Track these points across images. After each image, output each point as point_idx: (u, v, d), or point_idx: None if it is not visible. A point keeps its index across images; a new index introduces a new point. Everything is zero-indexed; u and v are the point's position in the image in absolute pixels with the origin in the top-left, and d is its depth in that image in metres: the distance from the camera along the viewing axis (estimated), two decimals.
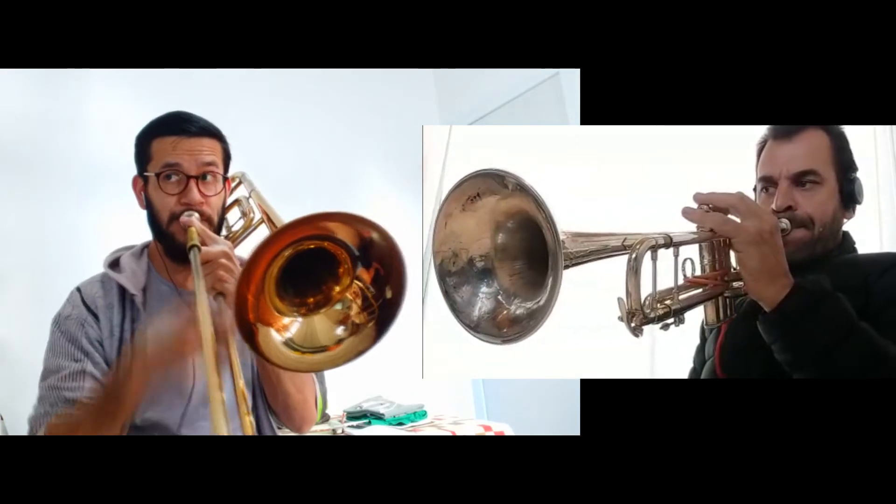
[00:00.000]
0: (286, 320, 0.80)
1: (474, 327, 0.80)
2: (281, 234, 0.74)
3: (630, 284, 0.75)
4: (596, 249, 0.77)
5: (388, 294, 0.79)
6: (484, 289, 0.81)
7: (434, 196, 1.78)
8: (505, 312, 0.80)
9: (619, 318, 0.77)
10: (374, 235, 0.76)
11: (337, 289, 0.82)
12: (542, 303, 0.75)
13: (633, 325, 0.76)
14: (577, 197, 1.59)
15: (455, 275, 0.81)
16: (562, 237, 0.72)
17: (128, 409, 0.96)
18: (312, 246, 0.77)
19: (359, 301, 0.81)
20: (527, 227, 0.77)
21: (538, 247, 0.74)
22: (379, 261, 0.78)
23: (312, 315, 0.82)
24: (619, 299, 0.76)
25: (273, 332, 0.78)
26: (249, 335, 0.75)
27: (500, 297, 0.81)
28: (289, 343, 0.79)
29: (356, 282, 0.81)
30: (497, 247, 0.81)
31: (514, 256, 0.81)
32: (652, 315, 0.77)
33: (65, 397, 1.01)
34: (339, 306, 0.82)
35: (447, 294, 0.81)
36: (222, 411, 0.69)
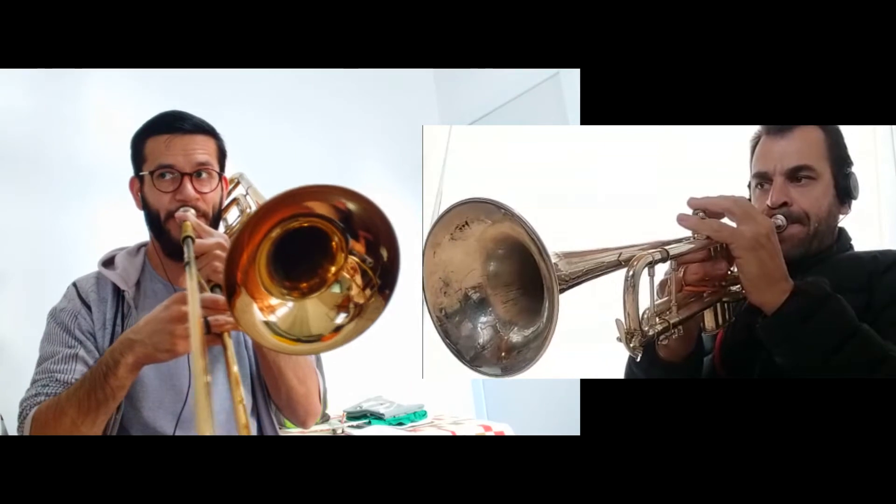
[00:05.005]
0: (273, 301, 0.76)
1: (475, 360, 0.79)
2: (269, 208, 0.71)
3: (628, 304, 0.74)
4: (591, 268, 0.76)
5: (385, 256, 0.76)
6: (482, 319, 0.80)
7: (434, 196, 1.78)
8: (503, 341, 0.79)
9: (617, 338, 0.76)
10: (351, 205, 0.72)
11: (332, 269, 0.78)
12: (540, 329, 0.74)
13: (632, 345, 0.75)
14: (577, 197, 1.59)
15: (454, 314, 0.80)
16: (554, 260, 0.71)
17: (115, 400, 0.95)
18: (305, 224, 0.74)
19: (358, 278, 0.77)
20: (517, 253, 0.76)
21: (530, 271, 0.73)
22: (364, 228, 0.75)
23: (305, 299, 0.78)
24: (618, 320, 0.75)
25: (255, 308, 0.74)
26: (231, 294, 0.72)
27: (497, 326, 0.79)
28: (272, 326, 0.75)
29: (351, 256, 0.77)
30: (489, 275, 0.80)
31: (507, 283, 0.80)
32: (651, 332, 0.77)
33: (56, 378, 1.03)
34: (336, 288, 0.78)
35: (448, 335, 0.79)
36: (206, 395, 0.67)
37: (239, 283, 0.72)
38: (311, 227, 0.75)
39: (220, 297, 0.84)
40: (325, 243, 0.77)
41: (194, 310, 0.78)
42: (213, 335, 0.85)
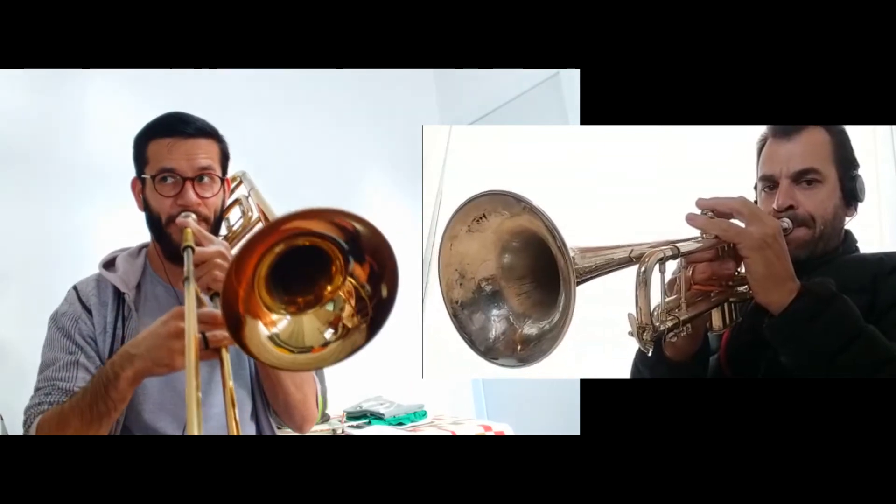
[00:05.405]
0: (274, 316, 0.78)
1: (489, 352, 0.79)
2: (267, 232, 0.72)
3: (640, 299, 0.74)
4: (602, 263, 0.77)
5: (384, 292, 0.76)
6: (495, 311, 0.80)
7: (434, 196, 1.78)
8: (517, 334, 0.79)
9: (629, 333, 0.76)
10: (358, 227, 0.73)
11: (329, 288, 0.79)
12: (555, 321, 0.75)
13: (644, 339, 0.75)
14: (578, 197, 1.59)
15: (467, 305, 0.80)
16: (572, 254, 0.71)
17: (116, 411, 0.96)
18: (307, 243, 0.75)
19: (352, 302, 0.79)
20: (532, 246, 0.76)
21: (544, 264, 0.73)
22: (371, 255, 0.75)
23: (301, 314, 0.79)
24: (630, 315, 0.75)
25: (260, 326, 0.76)
26: (236, 326, 0.73)
27: (510, 318, 0.80)
28: (274, 338, 0.77)
29: (350, 280, 0.78)
30: (503, 267, 0.80)
31: (520, 275, 0.81)
32: (662, 328, 0.77)
33: (58, 387, 1.03)
34: (330, 307, 0.80)
35: (462, 327, 0.80)
36: (197, 410, 0.68)
37: (242, 313, 0.74)
38: (312, 246, 0.76)
39: (218, 312, 0.84)
40: (326, 261, 0.78)
41: (191, 326, 0.79)
42: (211, 350, 0.85)
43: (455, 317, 0.80)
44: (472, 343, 0.80)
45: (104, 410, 0.93)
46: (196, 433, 0.67)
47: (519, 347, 0.78)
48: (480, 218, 0.77)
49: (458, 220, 0.78)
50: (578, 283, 0.73)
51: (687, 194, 0.86)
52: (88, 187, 2.14)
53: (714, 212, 0.84)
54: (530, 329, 0.79)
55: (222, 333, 0.84)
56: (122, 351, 0.94)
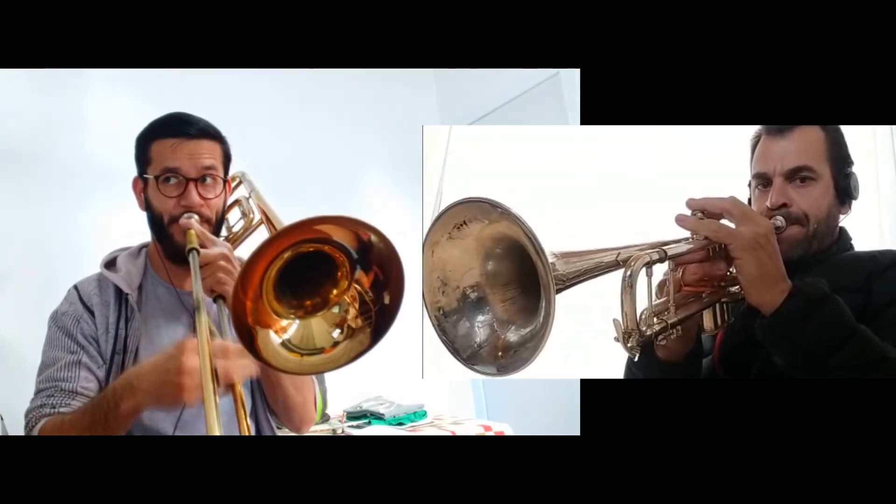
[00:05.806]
0: (284, 322, 0.79)
1: (471, 359, 0.79)
2: (276, 239, 0.73)
3: (625, 304, 0.74)
4: (589, 268, 0.76)
5: (386, 300, 0.78)
6: (479, 318, 0.80)
7: (434, 196, 1.78)
8: (500, 340, 0.79)
9: (615, 338, 0.76)
10: (374, 238, 0.75)
11: (334, 292, 0.81)
12: (536, 328, 0.74)
13: (629, 345, 0.74)
14: (578, 197, 1.59)
15: (451, 313, 0.80)
16: (552, 259, 0.71)
17: (119, 431, 0.94)
18: (311, 249, 0.76)
19: (356, 305, 0.80)
20: (515, 252, 0.76)
21: (528, 270, 0.73)
22: (378, 265, 0.78)
23: (310, 318, 0.81)
24: (615, 320, 0.75)
25: (272, 334, 0.77)
26: (249, 339, 0.75)
27: (494, 325, 0.79)
28: (286, 344, 0.78)
29: (354, 285, 0.80)
30: (487, 274, 0.80)
31: (505, 282, 0.80)
32: (649, 332, 0.76)
33: (61, 388, 1.02)
34: (336, 309, 0.81)
35: (445, 333, 0.80)
36: (216, 417, 0.69)
37: (251, 325, 0.75)
38: (318, 252, 0.77)
39: (229, 343, 0.84)
40: (332, 266, 0.80)
41: (206, 363, 0.79)
42: (224, 385, 0.82)
43: (438, 324, 0.80)
44: (455, 351, 0.80)
45: (103, 433, 0.91)
46: (217, 433, 0.67)
47: (500, 354, 0.78)
48: (461, 225, 0.77)
49: (439, 228, 0.77)
50: (562, 290, 0.72)
51: (687, 194, 0.86)
52: (88, 187, 2.14)
53: (704, 212, 0.84)
54: (513, 336, 0.78)
55: (238, 365, 0.83)
56: (125, 381, 0.90)
